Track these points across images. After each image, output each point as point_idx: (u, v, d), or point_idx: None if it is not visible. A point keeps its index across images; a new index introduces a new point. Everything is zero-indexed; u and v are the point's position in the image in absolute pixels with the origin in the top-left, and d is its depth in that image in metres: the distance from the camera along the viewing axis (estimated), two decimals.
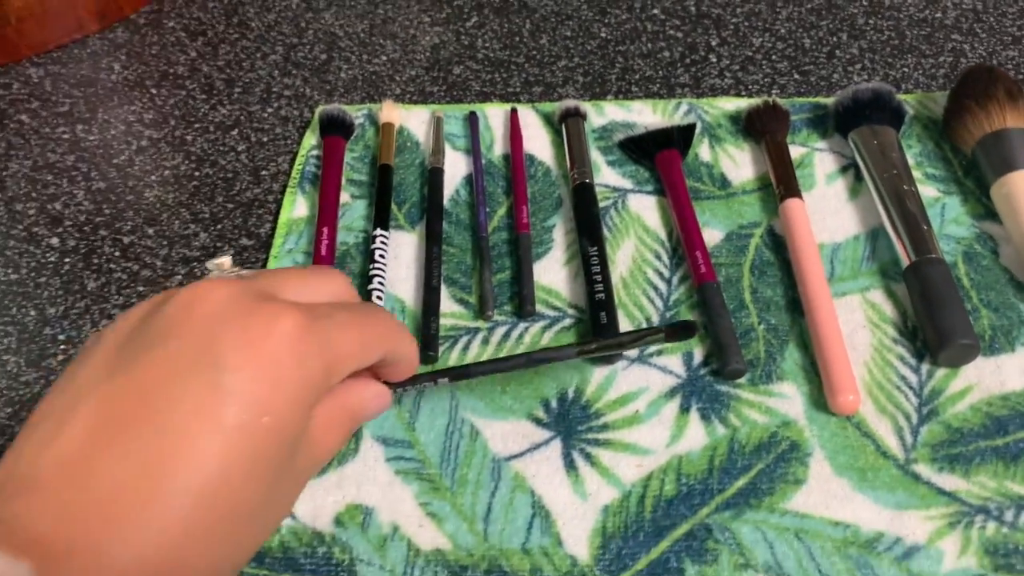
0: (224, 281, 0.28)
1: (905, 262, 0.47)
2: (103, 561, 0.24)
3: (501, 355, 0.45)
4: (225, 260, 0.35)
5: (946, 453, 0.41)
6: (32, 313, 0.47)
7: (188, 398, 0.26)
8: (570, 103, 0.55)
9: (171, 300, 0.28)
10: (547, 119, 0.56)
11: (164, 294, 0.28)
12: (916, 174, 0.52)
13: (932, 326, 0.44)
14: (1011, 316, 0.46)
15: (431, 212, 0.50)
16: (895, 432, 0.41)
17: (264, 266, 0.49)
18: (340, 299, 0.32)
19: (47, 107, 0.58)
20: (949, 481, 0.40)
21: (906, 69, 0.61)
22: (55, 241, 0.50)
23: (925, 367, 0.44)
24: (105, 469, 0.25)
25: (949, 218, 0.50)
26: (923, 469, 0.40)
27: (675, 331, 0.39)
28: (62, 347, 0.45)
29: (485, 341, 0.45)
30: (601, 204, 0.51)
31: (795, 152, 0.54)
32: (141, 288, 0.48)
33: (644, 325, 0.46)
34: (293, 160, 0.55)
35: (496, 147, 0.55)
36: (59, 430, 0.25)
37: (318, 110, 0.56)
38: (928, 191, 0.52)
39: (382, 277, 0.47)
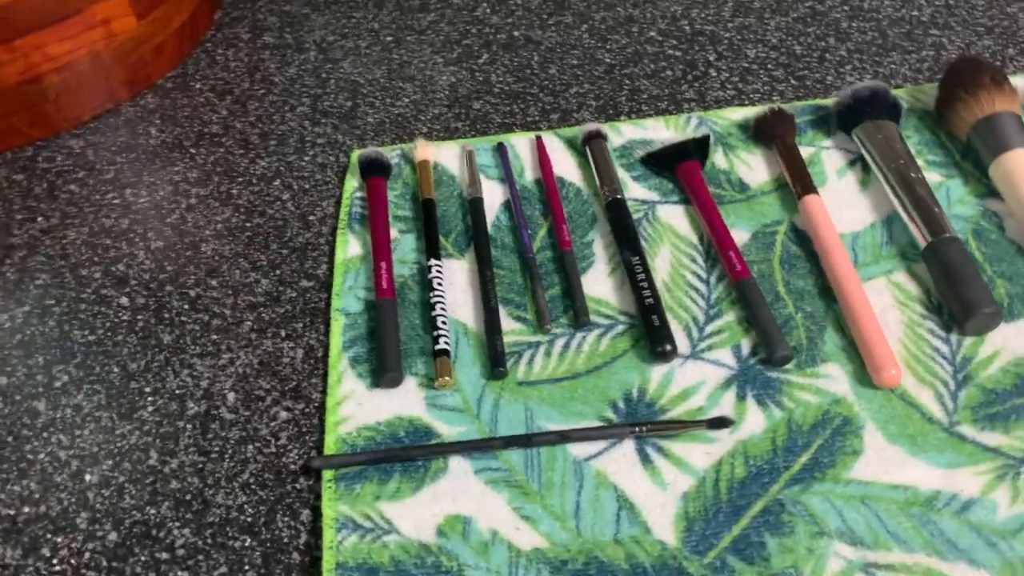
0: None
1: (922, 243, 0.51)
2: None
3: (564, 365, 0.48)
4: None
5: (985, 413, 0.44)
6: (115, 370, 0.50)
7: None
8: (591, 126, 0.59)
9: None
10: (570, 143, 0.60)
11: None
12: (918, 162, 0.56)
13: (956, 299, 0.48)
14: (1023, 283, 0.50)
15: (478, 238, 0.53)
16: (936, 399, 0.45)
17: (327, 306, 0.52)
18: None
19: (93, 175, 0.61)
20: (992, 438, 0.43)
21: (893, 66, 0.65)
22: (124, 301, 0.53)
23: (954, 337, 0.48)
24: None
25: (954, 199, 0.55)
26: (967, 430, 0.44)
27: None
28: (150, 399, 0.48)
29: (547, 353, 0.48)
30: (633, 217, 0.55)
31: (804, 152, 0.58)
32: (215, 336, 0.51)
33: (692, 326, 0.49)
34: (338, 203, 0.58)
35: (527, 173, 0.58)
36: None
37: (354, 154, 0.60)
38: (931, 177, 0.56)
39: (443, 303, 0.50)
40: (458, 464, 0.44)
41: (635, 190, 0.57)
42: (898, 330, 0.48)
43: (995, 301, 0.47)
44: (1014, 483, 0.42)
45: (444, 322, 0.49)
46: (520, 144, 0.60)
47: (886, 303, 0.49)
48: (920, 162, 0.57)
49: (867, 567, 0.39)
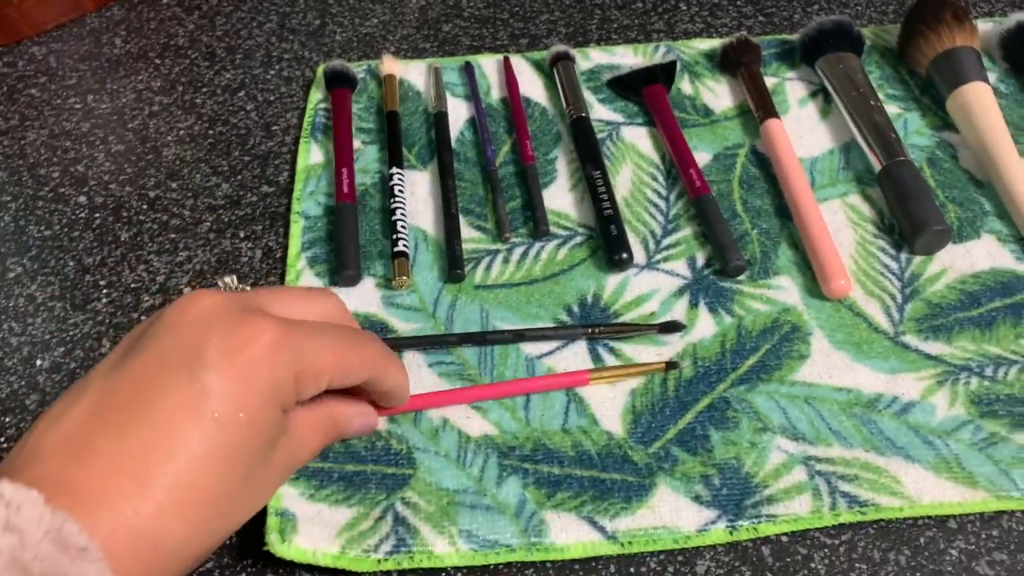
0: (216, 292, 0.33)
1: (877, 167, 0.51)
2: (119, 519, 0.28)
3: (521, 271, 0.48)
4: (231, 279, 0.40)
5: (929, 325, 0.45)
6: (71, 264, 0.49)
7: (173, 391, 0.30)
8: (560, 48, 0.59)
9: (166, 310, 0.32)
10: (538, 66, 0.60)
11: (173, 306, 0.32)
12: (878, 95, 0.57)
13: (907, 218, 0.49)
14: (974, 208, 0.51)
15: (441, 150, 0.53)
16: (883, 311, 0.46)
17: (288, 210, 0.52)
18: (330, 320, 0.36)
19: (55, 81, 0.60)
20: (934, 347, 0.44)
21: (859, 7, 0.66)
22: (83, 199, 0.53)
23: (904, 256, 0.49)
24: (99, 448, 0.29)
25: (912, 130, 0.56)
26: (911, 339, 0.45)
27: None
28: (104, 291, 0.48)
29: (506, 260, 0.49)
30: (597, 136, 0.55)
31: (767, 83, 0.58)
32: (173, 235, 0.51)
33: (649, 239, 0.50)
34: (302, 115, 0.58)
35: (493, 92, 0.59)
36: (65, 412, 0.30)
37: (321, 67, 0.59)
38: (890, 109, 0.57)
39: (404, 209, 0.50)
40: (412, 357, 0.44)
41: (600, 112, 0.57)
42: (850, 248, 0.49)
43: (944, 220, 0.48)
44: (953, 388, 0.43)
45: (404, 226, 0.49)
46: (487, 65, 0.60)
47: (840, 223, 0.50)
48: (880, 96, 0.57)
49: (807, 460, 0.40)
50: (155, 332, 0.31)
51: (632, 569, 0.37)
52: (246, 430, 0.31)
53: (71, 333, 0.46)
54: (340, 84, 0.57)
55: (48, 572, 0.25)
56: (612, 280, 0.48)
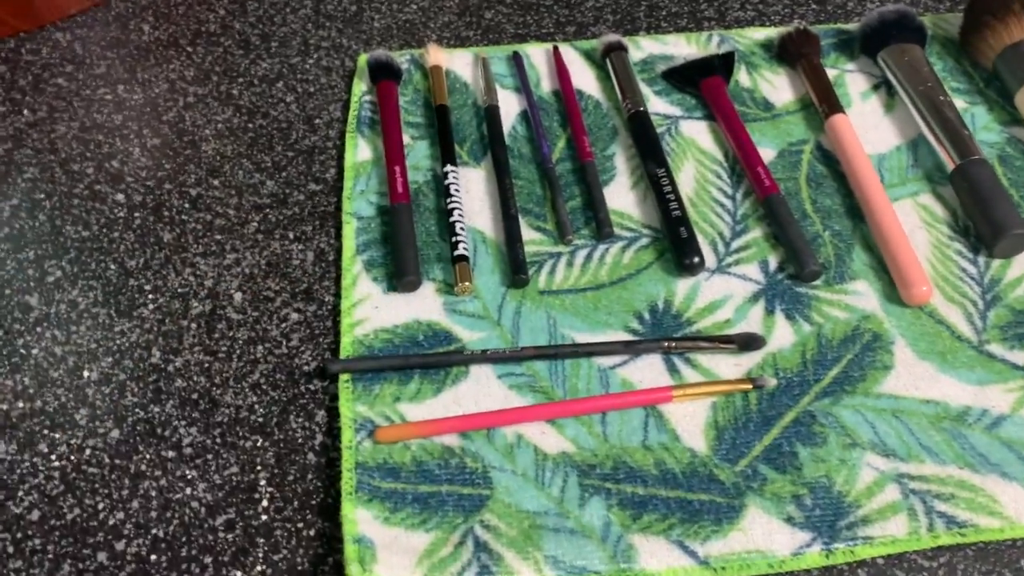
0: None
1: (950, 165, 0.50)
2: None
3: (587, 275, 0.46)
4: None
5: (1014, 332, 0.44)
6: (112, 267, 0.47)
7: None
8: (611, 37, 0.57)
9: None
10: (588, 56, 0.58)
11: None
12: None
13: (985, 221, 0.47)
14: None
15: (495, 146, 0.51)
16: (965, 318, 0.44)
17: (338, 209, 0.49)
18: None
19: (82, 70, 0.58)
20: (1021, 357, 0.43)
21: None
22: (120, 197, 0.50)
23: (982, 259, 0.47)
24: None
25: (979, 126, 0.54)
26: (996, 348, 0.43)
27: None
28: (150, 296, 0.46)
29: (569, 264, 0.47)
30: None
31: (828, 75, 0.56)
32: (218, 236, 0.48)
33: (718, 241, 0.48)
34: (345, 108, 0.55)
35: (544, 84, 0.56)
36: None
37: (363, 57, 0.57)
38: (956, 103, 0.55)
39: (461, 209, 0.48)
40: (480, 368, 0.42)
41: (657, 105, 0.55)
42: (926, 251, 0.47)
43: None
44: None
45: (462, 228, 0.47)
46: (535, 54, 0.58)
47: (913, 224, 0.49)
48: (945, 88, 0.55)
49: (900, 477, 0.39)
50: None
51: None
52: None
53: (118, 342, 0.44)
54: (385, 75, 0.55)
55: None
56: (683, 285, 0.46)
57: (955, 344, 0.43)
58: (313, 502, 0.38)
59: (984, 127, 0.54)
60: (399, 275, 0.45)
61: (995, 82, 0.56)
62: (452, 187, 0.49)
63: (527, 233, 0.48)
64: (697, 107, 0.55)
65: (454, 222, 0.47)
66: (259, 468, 0.39)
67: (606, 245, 0.48)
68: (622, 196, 0.50)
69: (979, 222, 0.47)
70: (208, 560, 0.37)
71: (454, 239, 0.46)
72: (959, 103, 0.55)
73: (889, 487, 0.38)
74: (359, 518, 0.37)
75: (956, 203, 0.49)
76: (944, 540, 0.37)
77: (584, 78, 0.57)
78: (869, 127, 0.54)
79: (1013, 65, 0.54)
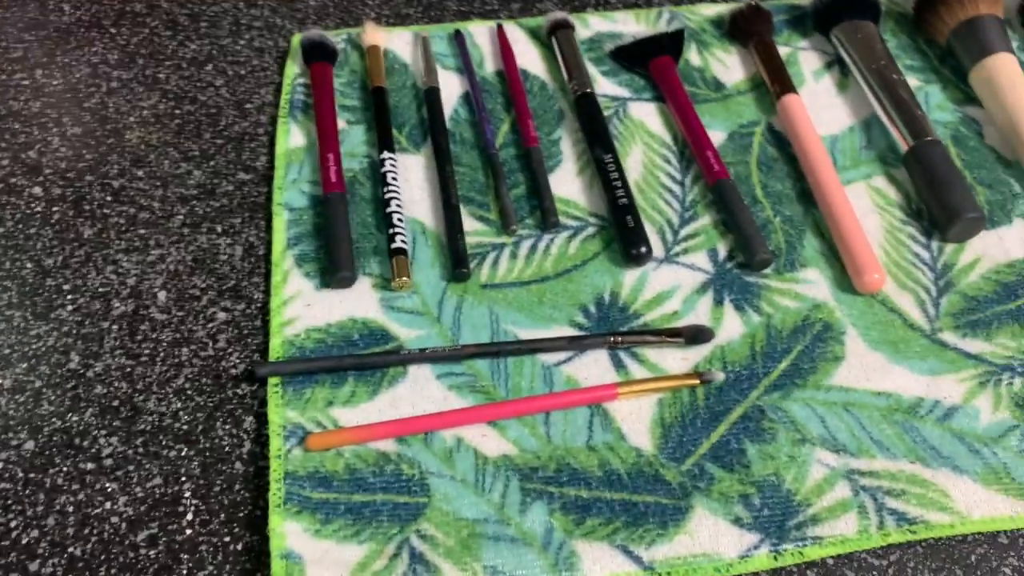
0: None
1: (903, 147, 0.48)
2: None
3: (531, 267, 0.44)
4: None
5: (967, 320, 0.43)
6: (28, 265, 0.44)
7: None
8: (557, 14, 0.54)
9: None
10: (533, 34, 0.56)
11: None
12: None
13: (939, 204, 0.46)
14: (1004, 191, 0.48)
15: (436, 131, 0.49)
16: (918, 305, 0.43)
17: (268, 200, 0.47)
18: None
19: None
20: (974, 345, 0.42)
21: None
22: (38, 191, 0.47)
23: (935, 244, 0.46)
24: None
25: (933, 105, 0.52)
26: (949, 336, 0.42)
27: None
28: (69, 297, 0.43)
29: (513, 255, 0.45)
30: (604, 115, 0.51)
31: (780, 53, 0.55)
32: (142, 231, 0.46)
33: (666, 229, 0.46)
34: (277, 91, 0.53)
35: (487, 64, 0.54)
36: None
37: (296, 37, 0.54)
38: (910, 81, 0.53)
39: (399, 199, 0.45)
40: (418, 369, 0.40)
41: (605, 86, 0.53)
42: (878, 236, 0.46)
43: (979, 207, 0.45)
44: (996, 390, 0.40)
45: (400, 219, 0.45)
46: (479, 33, 0.56)
47: (865, 208, 0.47)
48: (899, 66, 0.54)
49: (850, 474, 0.37)
50: None
51: None
52: None
53: (34, 346, 0.41)
54: (319, 57, 0.52)
55: None
56: (630, 276, 0.44)
57: (907, 333, 0.42)
58: (241, 514, 0.36)
59: (938, 106, 0.52)
60: (332, 271, 0.43)
61: (950, 59, 0.55)
62: (389, 175, 0.46)
63: (469, 223, 0.46)
64: (646, 88, 0.53)
65: (391, 213, 0.45)
66: (183, 479, 0.37)
67: (551, 235, 0.46)
68: (568, 183, 0.48)
69: (933, 206, 0.46)
70: None
71: (391, 231, 0.44)
72: (913, 81, 0.54)
73: (839, 484, 0.37)
74: (287, 531, 0.35)
75: (910, 185, 0.48)
76: (894, 538, 0.36)
77: (529, 58, 0.54)
78: (822, 107, 0.52)
79: (968, 41, 0.53)
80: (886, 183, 0.49)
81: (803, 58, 0.55)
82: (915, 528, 0.36)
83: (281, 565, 0.34)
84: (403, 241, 0.44)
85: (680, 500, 0.36)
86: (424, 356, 0.40)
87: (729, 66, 0.54)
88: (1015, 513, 0.37)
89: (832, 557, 0.36)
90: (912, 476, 0.37)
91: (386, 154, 0.47)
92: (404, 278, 0.42)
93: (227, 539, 0.36)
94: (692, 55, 0.55)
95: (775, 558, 0.35)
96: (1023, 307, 0.43)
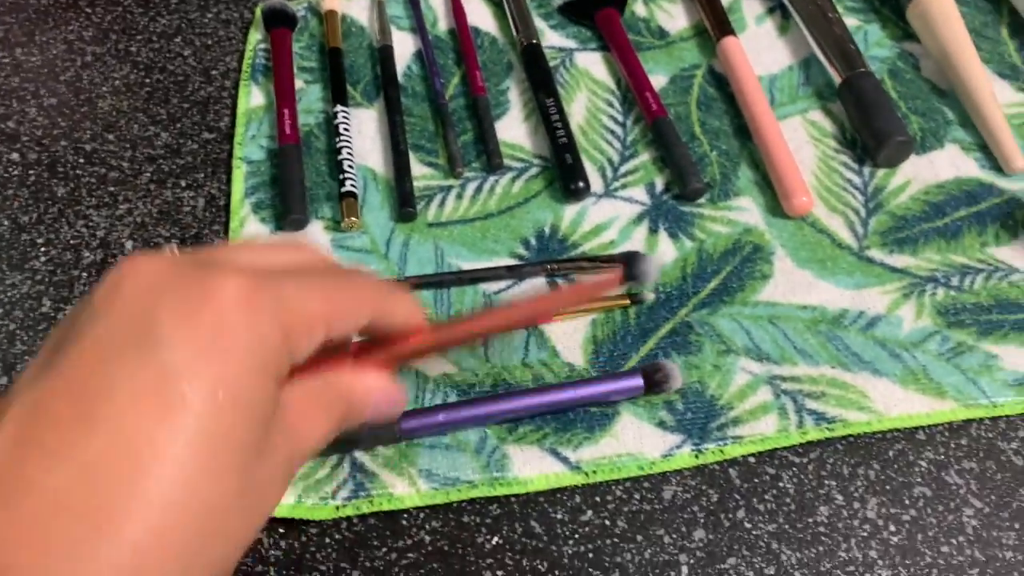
0: (158, 254, 0.24)
1: (837, 80, 0.50)
2: None
3: (476, 206, 0.47)
4: (172, 248, 0.33)
5: (894, 238, 0.44)
6: (5, 223, 0.47)
7: (123, 384, 0.21)
8: None
9: (95, 288, 0.24)
10: None
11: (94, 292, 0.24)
12: (837, 8, 0.55)
13: (869, 131, 0.47)
14: (937, 118, 0.50)
15: (387, 85, 0.51)
16: (847, 226, 0.45)
17: (230, 156, 0.50)
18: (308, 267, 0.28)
19: None
20: (900, 260, 0.43)
21: None
22: (15, 156, 0.50)
23: (867, 169, 0.47)
24: (37, 480, 0.20)
25: (872, 42, 0.54)
26: (875, 253, 0.44)
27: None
28: (43, 249, 0.46)
29: (459, 196, 0.47)
30: (550, 64, 0.53)
31: (724, 1, 0.56)
32: (112, 188, 0.48)
33: (606, 167, 0.48)
34: (241, 58, 0.55)
35: (440, 23, 0.56)
36: None
37: (259, 7, 0.57)
38: (850, 22, 0.55)
39: (350, 148, 0.48)
40: None
41: (552, 38, 0.55)
42: (812, 164, 0.48)
43: (907, 131, 0.47)
44: (919, 300, 0.42)
45: (351, 165, 0.47)
46: None
47: (801, 140, 0.49)
48: (839, 8, 0.55)
49: (772, 379, 0.39)
50: (87, 317, 0.23)
51: (598, 498, 0.37)
52: (229, 414, 0.22)
53: (9, 294, 0.44)
54: (279, 23, 0.55)
55: None
56: (570, 211, 0.46)
57: (835, 251, 0.44)
58: None
59: (876, 43, 0.54)
60: (285, 214, 0.45)
61: None
62: (342, 126, 0.49)
63: (419, 168, 0.48)
64: (592, 39, 0.55)
65: (342, 160, 0.47)
66: None
67: (496, 176, 0.48)
68: (514, 128, 0.50)
69: (863, 132, 0.48)
70: None
71: (342, 176, 0.46)
72: (854, 21, 0.55)
73: (762, 389, 0.39)
74: None
75: (844, 118, 0.50)
76: (812, 436, 0.38)
77: (482, 15, 0.57)
78: (763, 49, 0.54)
79: None
80: (822, 116, 0.50)
81: (746, 4, 0.57)
82: (833, 426, 0.38)
83: None
84: (353, 185, 0.46)
85: (607, 408, 0.38)
86: None
87: (674, 15, 0.56)
88: (931, 410, 0.38)
89: (754, 455, 0.38)
90: (832, 379, 0.39)
91: (339, 107, 0.50)
92: (353, 218, 0.45)
93: None
94: (638, 7, 0.57)
95: (696, 456, 0.37)
96: (950, 224, 0.45)
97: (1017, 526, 0.36)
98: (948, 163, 0.47)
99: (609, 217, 0.46)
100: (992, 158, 0.48)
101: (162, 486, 0.21)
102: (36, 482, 0.20)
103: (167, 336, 0.22)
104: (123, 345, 0.22)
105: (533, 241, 0.45)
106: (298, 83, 0.53)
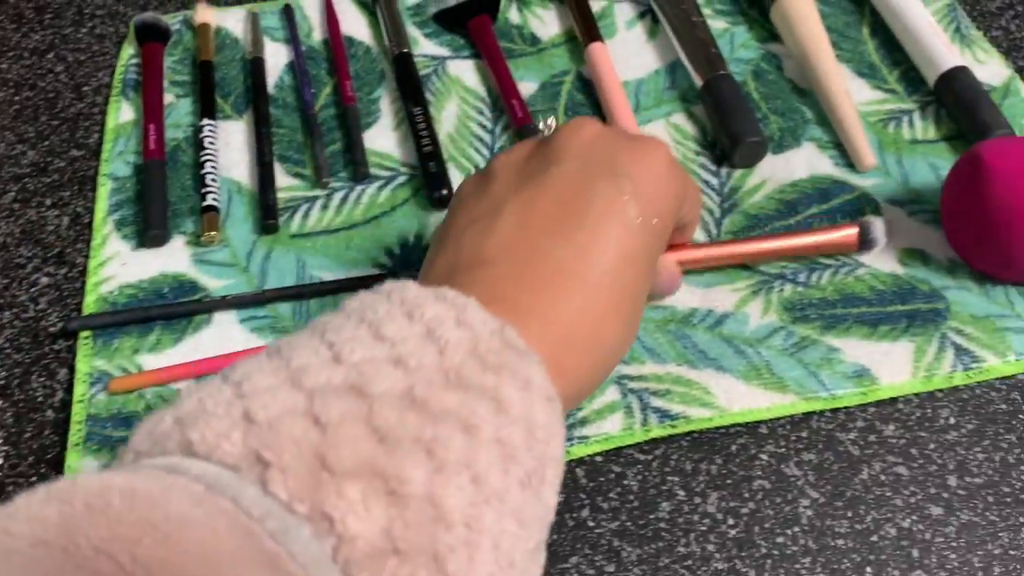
0: (594, 120, 0.35)
1: (699, 82, 0.51)
2: (553, 323, 0.30)
3: (341, 216, 0.47)
4: (553, 120, 0.46)
5: (746, 236, 0.46)
6: None
7: (599, 199, 0.32)
8: None
9: (555, 135, 0.34)
10: (363, 3, 0.58)
11: (535, 139, 0.36)
12: (706, 11, 0.57)
13: (725, 131, 0.48)
14: (796, 117, 0.51)
15: (256, 97, 0.51)
16: (701, 227, 0.46)
17: (96, 175, 0.49)
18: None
19: None
20: None
21: None
22: None
23: (724, 171, 0.49)
24: (544, 250, 0.31)
25: (738, 44, 0.55)
26: None
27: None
28: None
29: (324, 207, 0.47)
30: (422, 72, 0.53)
31: (595, 6, 0.57)
32: None
33: (474, 172, 0.49)
34: (114, 73, 0.55)
35: (315, 34, 0.56)
36: (492, 224, 0.32)
37: (132, 20, 0.57)
38: (718, 24, 0.56)
39: (214, 162, 0.48)
40: (223, 315, 0.43)
41: (427, 47, 0.56)
42: None
43: (761, 132, 0.48)
44: (767, 297, 0.43)
45: (214, 179, 0.47)
46: (309, 6, 0.58)
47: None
48: (708, 11, 0.57)
49: (620, 379, 0.40)
50: (554, 153, 0.33)
51: None
52: (657, 236, 0.33)
53: None
54: (151, 38, 0.55)
55: (501, 366, 0.26)
56: (434, 219, 0.47)
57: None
58: (48, 456, 0.39)
59: (742, 45, 0.55)
60: (145, 230, 0.45)
61: (757, 1, 0.58)
62: (206, 140, 0.49)
63: (285, 180, 0.49)
64: (465, 47, 0.56)
65: (205, 174, 0.47)
66: None
67: (363, 186, 0.48)
68: (384, 137, 0.51)
69: (720, 134, 0.49)
70: None
71: (203, 190, 0.46)
72: (722, 24, 0.56)
73: (609, 389, 0.40)
74: (86, 467, 0.37)
75: (706, 120, 0.51)
76: (656, 433, 0.39)
77: (357, 25, 0.57)
78: (631, 54, 0.55)
79: None
80: (684, 119, 0.51)
81: (618, 10, 0.58)
82: (676, 423, 0.39)
83: None
84: (214, 199, 0.46)
85: None
86: (227, 302, 0.43)
87: (547, 22, 0.57)
88: (772, 404, 0.40)
89: (600, 454, 0.39)
90: (677, 377, 0.40)
91: (205, 121, 0.50)
92: (212, 232, 0.45)
93: (33, 479, 0.38)
94: (512, 14, 0.57)
95: None
96: (802, 221, 0.46)
97: (850, 514, 0.37)
98: (804, 162, 0.49)
99: None
100: (846, 155, 0.49)
101: (619, 271, 0.32)
102: (545, 253, 0.31)
103: (629, 172, 0.33)
104: (597, 172, 0.33)
105: (397, 250, 0.46)
106: (169, 97, 0.53)
